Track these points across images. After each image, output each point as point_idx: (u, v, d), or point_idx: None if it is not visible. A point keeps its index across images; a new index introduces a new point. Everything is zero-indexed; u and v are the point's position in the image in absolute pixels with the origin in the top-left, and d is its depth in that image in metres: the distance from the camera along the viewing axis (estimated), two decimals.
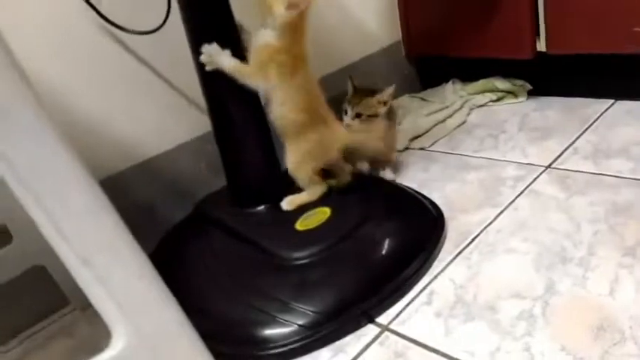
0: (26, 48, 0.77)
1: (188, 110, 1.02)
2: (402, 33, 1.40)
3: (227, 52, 0.77)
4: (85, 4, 0.83)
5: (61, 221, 0.44)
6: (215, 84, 0.82)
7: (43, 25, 0.84)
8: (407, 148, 1.16)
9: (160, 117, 0.99)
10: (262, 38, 0.78)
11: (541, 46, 1.15)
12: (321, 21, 1.25)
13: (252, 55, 0.78)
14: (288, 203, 0.84)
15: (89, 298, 0.47)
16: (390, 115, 1.00)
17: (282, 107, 0.80)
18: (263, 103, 0.83)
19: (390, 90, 0.98)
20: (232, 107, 0.83)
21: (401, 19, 1.38)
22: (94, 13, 0.84)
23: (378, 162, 1.00)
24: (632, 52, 1.04)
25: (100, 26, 0.88)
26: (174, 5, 0.81)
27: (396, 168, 1.05)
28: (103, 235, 0.46)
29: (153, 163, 0.98)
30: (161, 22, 0.88)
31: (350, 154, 0.89)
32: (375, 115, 0.96)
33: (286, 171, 0.86)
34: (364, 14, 1.34)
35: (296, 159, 0.84)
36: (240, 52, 0.79)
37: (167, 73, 0.98)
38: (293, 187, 0.87)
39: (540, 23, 1.13)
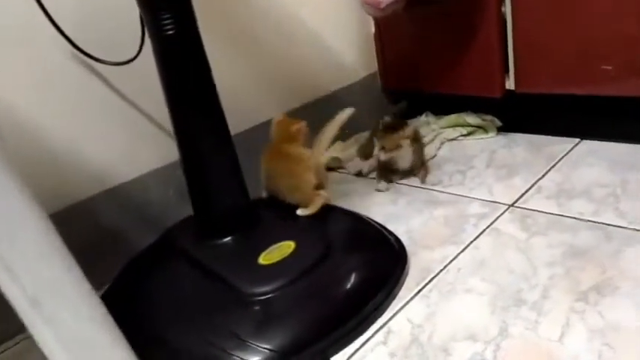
0: None
1: (158, 138, 1.02)
2: (379, 67, 1.42)
3: None
4: (58, 36, 0.84)
5: (11, 262, 0.44)
6: (183, 114, 0.82)
7: (15, 56, 0.85)
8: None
9: (130, 144, 1.00)
10: None
11: (510, 84, 1.18)
12: (298, 51, 1.27)
13: None
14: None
15: (36, 339, 0.47)
16: (416, 136, 1.14)
17: None
18: None
19: (411, 127, 1.13)
20: (200, 138, 0.84)
21: (377, 54, 1.41)
22: (68, 45, 0.85)
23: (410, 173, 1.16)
24: (598, 94, 1.07)
25: (73, 56, 0.89)
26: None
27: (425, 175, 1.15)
28: (54, 277, 0.46)
29: (122, 190, 0.98)
30: (135, 53, 0.89)
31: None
32: (399, 147, 1.10)
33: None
34: (341, 46, 1.36)
35: None
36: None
37: (138, 102, 0.99)
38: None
39: (510, 63, 1.16)
